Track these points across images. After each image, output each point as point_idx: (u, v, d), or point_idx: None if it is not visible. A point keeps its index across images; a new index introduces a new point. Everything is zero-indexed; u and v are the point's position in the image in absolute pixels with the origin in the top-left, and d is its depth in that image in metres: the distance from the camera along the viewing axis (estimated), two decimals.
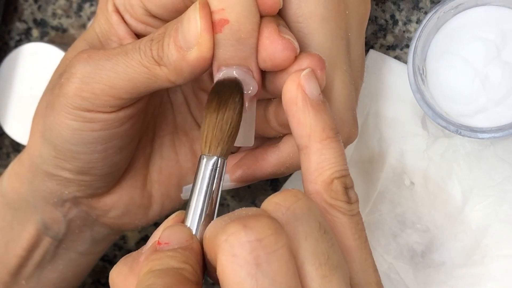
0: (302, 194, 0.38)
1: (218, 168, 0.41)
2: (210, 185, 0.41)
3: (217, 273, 0.35)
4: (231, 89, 0.42)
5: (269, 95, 0.46)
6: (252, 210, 0.37)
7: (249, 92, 0.43)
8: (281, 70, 0.43)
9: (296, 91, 0.41)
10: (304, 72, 0.41)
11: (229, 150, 0.42)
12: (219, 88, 0.42)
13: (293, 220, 0.36)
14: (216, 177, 0.41)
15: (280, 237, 0.35)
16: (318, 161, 0.40)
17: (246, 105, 0.44)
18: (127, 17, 0.46)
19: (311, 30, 0.44)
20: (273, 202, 0.37)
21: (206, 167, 0.41)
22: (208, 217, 0.40)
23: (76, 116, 0.45)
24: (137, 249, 0.60)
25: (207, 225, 0.39)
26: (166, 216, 0.42)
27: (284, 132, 0.47)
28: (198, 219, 0.40)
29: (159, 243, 0.38)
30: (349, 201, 0.40)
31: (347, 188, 0.40)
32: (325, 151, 0.40)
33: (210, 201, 0.41)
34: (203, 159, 0.41)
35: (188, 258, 0.37)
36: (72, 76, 0.44)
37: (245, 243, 0.34)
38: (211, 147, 0.41)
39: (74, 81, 0.44)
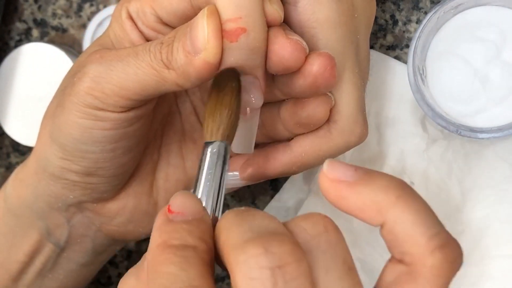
0: (332, 225, 0.36)
1: (220, 151, 0.40)
2: (213, 168, 0.40)
3: (232, 285, 0.34)
4: (228, 76, 0.42)
5: (282, 97, 0.46)
6: (275, 227, 0.35)
7: (253, 101, 0.44)
8: (293, 71, 0.43)
9: (335, 194, 0.36)
10: (325, 168, 0.37)
11: (230, 134, 0.41)
12: (218, 78, 0.43)
13: (316, 251, 0.35)
14: (218, 160, 0.40)
15: (301, 266, 0.33)
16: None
17: (248, 112, 0.44)
18: (140, 24, 0.46)
19: (325, 35, 0.45)
20: (300, 227, 0.35)
21: (207, 151, 0.40)
22: (214, 198, 0.40)
23: (86, 114, 0.45)
24: (137, 249, 0.61)
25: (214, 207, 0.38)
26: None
27: (299, 132, 0.47)
28: (206, 197, 0.39)
29: (170, 211, 0.36)
30: None
31: None
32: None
33: (215, 184, 0.40)
34: (206, 145, 0.41)
35: (204, 233, 0.36)
36: (84, 75, 0.45)
37: (265, 268, 0.33)
38: (212, 132, 0.41)
39: (86, 80, 0.45)
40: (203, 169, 0.40)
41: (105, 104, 0.44)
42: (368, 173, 0.36)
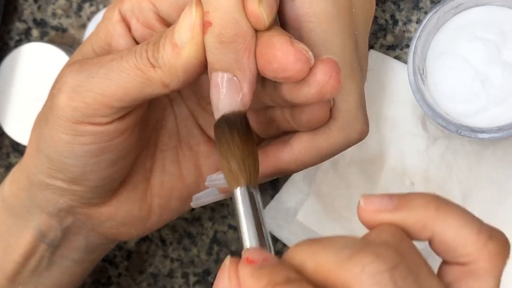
0: (404, 235, 0.38)
1: (248, 196, 0.41)
2: (249, 213, 0.41)
3: None
4: (232, 121, 0.42)
5: (283, 104, 0.45)
6: (358, 240, 0.36)
7: (238, 103, 0.42)
8: (297, 81, 0.42)
9: None
10: (362, 203, 0.38)
11: (253, 175, 0.42)
12: (221, 123, 0.42)
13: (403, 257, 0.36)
14: (250, 204, 0.41)
15: (407, 264, 0.35)
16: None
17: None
18: (134, 23, 0.46)
19: (324, 29, 0.44)
20: (382, 241, 0.36)
21: (237, 199, 0.41)
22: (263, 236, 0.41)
23: (67, 129, 0.44)
24: (137, 249, 0.61)
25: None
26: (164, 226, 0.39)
27: (303, 130, 0.46)
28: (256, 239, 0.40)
29: (253, 261, 0.37)
30: None
31: None
32: None
33: (261, 227, 0.41)
34: (241, 191, 0.41)
35: (289, 270, 0.36)
36: (63, 86, 0.44)
37: (384, 272, 0.34)
38: (236, 181, 0.41)
39: (64, 91, 0.44)
40: (240, 218, 0.41)
41: (85, 115, 0.44)
42: (402, 197, 0.38)
